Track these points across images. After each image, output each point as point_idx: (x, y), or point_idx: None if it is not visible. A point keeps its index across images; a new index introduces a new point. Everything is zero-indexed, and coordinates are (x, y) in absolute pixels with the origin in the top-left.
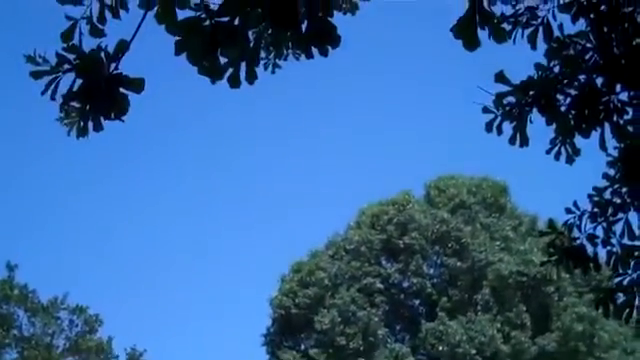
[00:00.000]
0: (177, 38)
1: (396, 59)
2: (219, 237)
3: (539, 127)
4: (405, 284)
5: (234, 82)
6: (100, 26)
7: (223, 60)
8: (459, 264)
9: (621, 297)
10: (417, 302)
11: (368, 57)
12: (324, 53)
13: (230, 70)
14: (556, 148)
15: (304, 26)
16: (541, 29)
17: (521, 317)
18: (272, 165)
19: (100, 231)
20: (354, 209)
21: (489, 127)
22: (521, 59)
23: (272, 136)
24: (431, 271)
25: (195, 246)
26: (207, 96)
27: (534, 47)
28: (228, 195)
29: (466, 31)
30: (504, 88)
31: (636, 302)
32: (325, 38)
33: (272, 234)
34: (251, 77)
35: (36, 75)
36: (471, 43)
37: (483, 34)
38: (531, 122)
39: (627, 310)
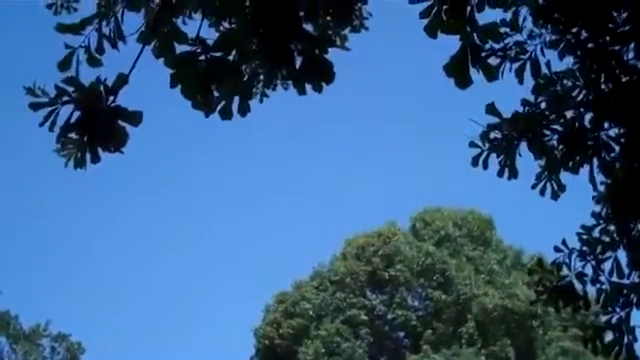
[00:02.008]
0: (172, 71)
1: (385, 92)
2: (203, 266)
3: (524, 161)
4: (390, 316)
5: (225, 114)
6: (98, 56)
7: (216, 93)
8: (444, 297)
9: (610, 335)
10: (402, 334)
11: (356, 89)
12: (318, 89)
13: (222, 103)
14: (541, 184)
15: (298, 62)
16: (529, 64)
17: (505, 351)
18: (257, 194)
19: (83, 257)
20: (340, 240)
21: (475, 161)
22: (509, 94)
23: (256, 166)
24: (416, 303)
25: (179, 275)
26: (183, 137)
27: (521, 81)
28: (213, 223)
29: (458, 70)
30: (493, 120)
31: (625, 340)
32: (320, 75)
33: (257, 264)
34: (243, 110)
35: (35, 107)
36: (463, 82)
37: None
38: (520, 155)
39: (616, 348)
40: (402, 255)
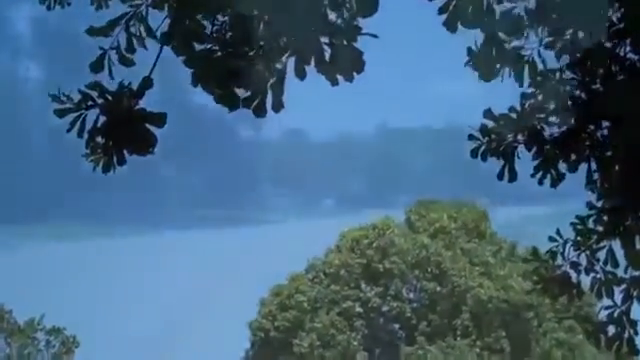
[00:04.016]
0: (192, 71)
1: (381, 82)
2: (199, 259)
3: (520, 155)
4: (384, 308)
5: (258, 110)
6: (129, 55)
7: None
8: (439, 289)
9: (611, 329)
10: (396, 326)
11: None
12: (350, 79)
13: (256, 100)
14: (540, 173)
15: (327, 54)
16: (527, 67)
17: (500, 342)
18: (255, 193)
19: (80, 252)
20: (335, 233)
21: (474, 154)
22: (506, 92)
23: (250, 161)
24: (411, 295)
25: (175, 268)
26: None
27: (521, 85)
28: (208, 219)
29: (483, 62)
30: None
31: (625, 334)
32: (351, 65)
33: (252, 257)
34: (277, 106)
35: (61, 113)
36: (488, 74)
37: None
38: (519, 158)
39: (617, 342)
40: (397, 247)
